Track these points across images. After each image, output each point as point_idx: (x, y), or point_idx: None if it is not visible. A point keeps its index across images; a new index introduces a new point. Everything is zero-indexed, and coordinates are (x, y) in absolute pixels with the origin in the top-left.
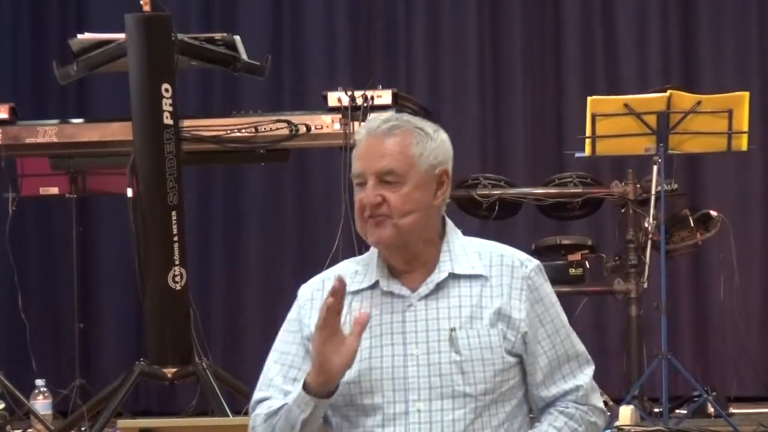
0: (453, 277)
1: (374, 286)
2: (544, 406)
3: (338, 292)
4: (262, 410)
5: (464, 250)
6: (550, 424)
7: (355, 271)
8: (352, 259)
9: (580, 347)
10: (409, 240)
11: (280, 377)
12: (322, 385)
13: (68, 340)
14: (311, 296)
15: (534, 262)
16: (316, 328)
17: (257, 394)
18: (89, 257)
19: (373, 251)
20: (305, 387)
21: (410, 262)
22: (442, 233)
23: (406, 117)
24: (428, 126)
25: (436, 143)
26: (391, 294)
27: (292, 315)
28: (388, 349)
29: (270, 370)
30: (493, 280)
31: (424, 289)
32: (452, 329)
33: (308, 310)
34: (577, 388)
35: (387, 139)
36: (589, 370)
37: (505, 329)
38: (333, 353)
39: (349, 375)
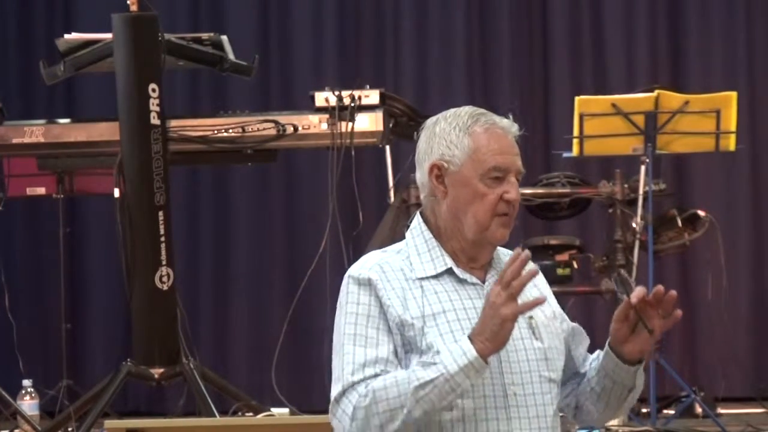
0: None
1: (442, 273)
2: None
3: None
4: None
5: (501, 251)
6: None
7: (401, 260)
8: (380, 250)
9: None
10: None
11: (372, 358)
12: (494, 352)
13: (55, 341)
14: (379, 278)
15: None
16: (506, 305)
17: (348, 379)
18: (76, 257)
19: (421, 240)
20: (480, 353)
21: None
22: None
23: None
24: None
25: None
26: (465, 281)
27: (362, 299)
28: None
29: (356, 355)
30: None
31: (493, 280)
32: (530, 317)
33: (384, 292)
34: None
35: (514, 140)
36: None
37: (561, 321)
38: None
39: None
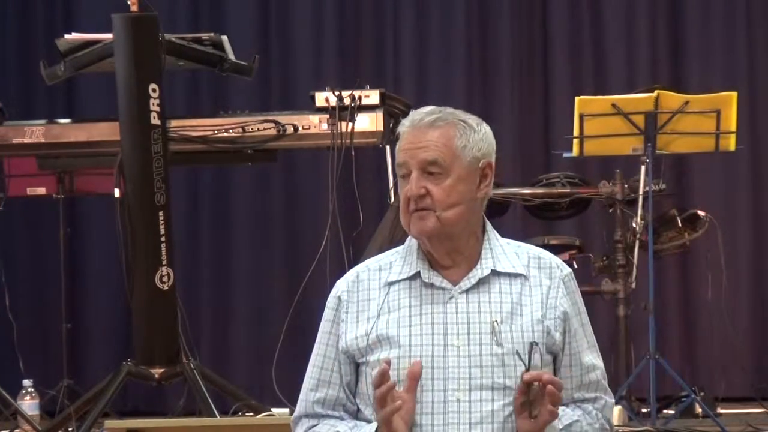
0: (494, 273)
1: (414, 277)
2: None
3: (386, 374)
4: None
5: (503, 249)
6: (568, 409)
7: (390, 261)
8: (389, 250)
9: (600, 363)
10: (452, 232)
11: (314, 381)
12: None
13: (56, 341)
14: (347, 288)
15: (568, 269)
16: (377, 413)
17: (298, 407)
18: (77, 257)
19: (410, 243)
20: None
21: (452, 255)
22: (483, 229)
23: (449, 110)
24: (471, 118)
25: (479, 135)
26: (432, 286)
27: (326, 315)
28: (428, 339)
29: (306, 379)
30: (531, 279)
31: (466, 283)
32: (494, 322)
33: (345, 304)
34: (596, 399)
35: (430, 130)
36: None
37: (548, 326)
38: (396, 421)
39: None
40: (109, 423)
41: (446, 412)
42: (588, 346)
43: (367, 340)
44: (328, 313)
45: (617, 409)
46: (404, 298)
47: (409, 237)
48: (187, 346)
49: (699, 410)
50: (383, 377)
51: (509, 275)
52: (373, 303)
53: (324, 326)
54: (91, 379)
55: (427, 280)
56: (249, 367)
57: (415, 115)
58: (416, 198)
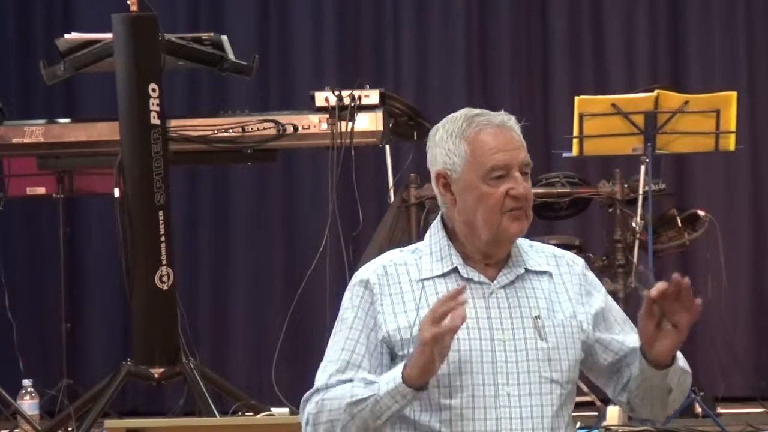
0: (527, 271)
1: (448, 273)
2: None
3: (462, 292)
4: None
5: (523, 248)
6: None
7: (414, 259)
8: (395, 250)
9: None
10: None
11: (343, 363)
12: (421, 380)
13: (55, 340)
14: (378, 280)
15: (581, 259)
16: (427, 329)
17: (318, 381)
18: (76, 257)
19: (433, 240)
20: (404, 380)
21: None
22: None
23: None
24: None
25: None
26: (471, 281)
27: (354, 301)
28: (475, 333)
29: (329, 363)
30: (555, 277)
31: (504, 279)
32: (536, 317)
33: (379, 296)
34: None
35: (514, 132)
36: None
37: (580, 320)
38: (445, 342)
39: None
40: (109, 423)
41: (498, 407)
42: (624, 321)
43: (411, 332)
44: (358, 300)
45: (617, 409)
46: (443, 293)
47: (427, 234)
48: (187, 346)
49: (699, 410)
50: (459, 293)
51: (537, 273)
52: (407, 296)
53: (356, 312)
54: (91, 379)
55: (465, 276)
56: (249, 367)
57: (492, 117)
58: (524, 198)
